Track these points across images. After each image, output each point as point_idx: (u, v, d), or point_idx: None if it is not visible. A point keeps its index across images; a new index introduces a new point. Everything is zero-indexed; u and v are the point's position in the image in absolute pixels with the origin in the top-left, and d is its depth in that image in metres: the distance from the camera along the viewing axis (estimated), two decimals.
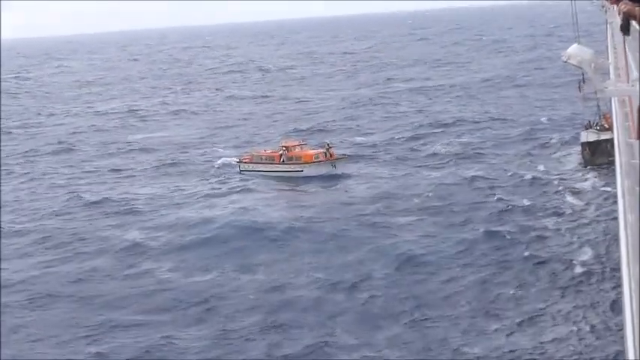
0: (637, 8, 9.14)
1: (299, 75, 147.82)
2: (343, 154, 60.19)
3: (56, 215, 51.52)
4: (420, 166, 59.72)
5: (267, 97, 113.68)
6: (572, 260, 36.65)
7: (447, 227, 43.73)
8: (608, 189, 45.77)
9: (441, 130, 74.26)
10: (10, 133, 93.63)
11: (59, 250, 44.24)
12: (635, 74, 8.34)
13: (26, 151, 78.63)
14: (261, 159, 59.69)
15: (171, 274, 38.86)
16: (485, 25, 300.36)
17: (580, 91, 43.45)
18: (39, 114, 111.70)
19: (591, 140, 53.32)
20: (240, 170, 60.02)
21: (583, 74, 28.12)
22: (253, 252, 41.22)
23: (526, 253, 38.33)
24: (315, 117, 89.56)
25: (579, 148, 55.71)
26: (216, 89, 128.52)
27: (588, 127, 55.30)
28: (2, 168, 69.08)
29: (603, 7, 21.32)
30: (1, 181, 63.81)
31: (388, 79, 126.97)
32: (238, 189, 55.31)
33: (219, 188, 56.19)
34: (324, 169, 57.35)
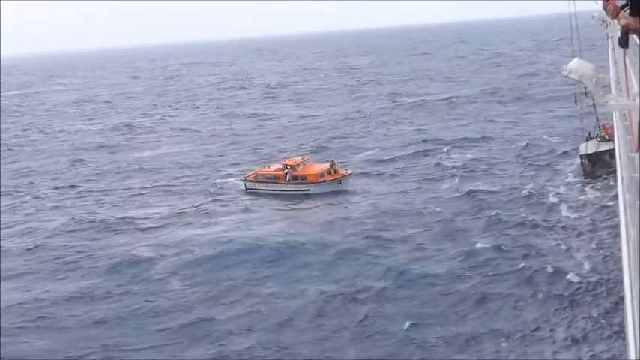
0: (637, 18, 9.18)
1: (302, 90, 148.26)
2: (348, 172, 59.62)
3: (60, 234, 51.50)
4: (421, 181, 59.70)
5: (267, 114, 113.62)
6: (570, 273, 36.65)
7: (446, 242, 43.78)
8: (609, 203, 45.91)
9: (441, 146, 74.31)
10: (12, 150, 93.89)
11: (66, 267, 44.30)
12: (635, 88, 8.37)
13: (25, 169, 78.84)
14: (266, 178, 59.28)
15: (173, 291, 38.88)
16: (488, 39, 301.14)
17: (576, 104, 43.78)
18: (42, 131, 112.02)
19: (590, 152, 53.48)
20: (247, 189, 59.76)
21: (583, 88, 28.34)
22: (257, 268, 41.22)
23: (525, 266, 38.46)
24: (317, 132, 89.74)
25: (579, 159, 55.86)
26: (217, 107, 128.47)
27: (589, 138, 55.46)
28: (7, 187, 69.35)
29: (604, 21, 21.37)
30: (5, 198, 64.12)
31: (392, 93, 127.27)
32: (244, 207, 55.37)
33: (226, 205, 56.27)
34: (329, 188, 57.17)
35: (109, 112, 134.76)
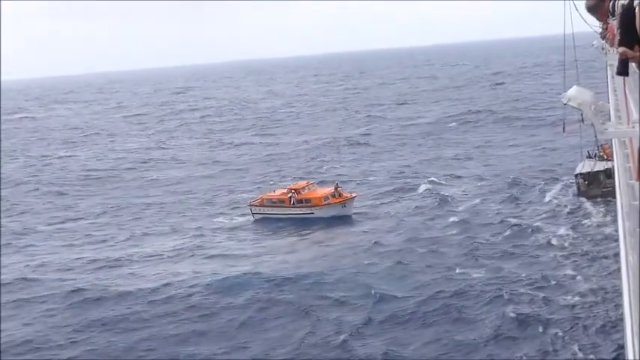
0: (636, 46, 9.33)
1: (294, 115, 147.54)
2: (352, 195, 59.68)
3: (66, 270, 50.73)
4: (417, 207, 59.66)
5: (261, 141, 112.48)
6: (567, 293, 36.85)
7: (439, 267, 44.04)
8: (605, 227, 46.13)
9: (435, 167, 74.72)
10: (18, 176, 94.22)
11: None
12: (635, 116, 8.49)
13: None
14: (272, 202, 59.35)
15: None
16: (491, 60, 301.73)
17: (564, 131, 44.30)
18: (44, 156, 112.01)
19: (586, 172, 53.79)
20: (253, 213, 59.73)
21: (572, 115, 28.52)
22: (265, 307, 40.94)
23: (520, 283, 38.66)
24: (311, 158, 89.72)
25: (574, 179, 56.20)
26: (211, 134, 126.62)
27: (588, 157, 55.71)
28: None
29: (603, 48, 21.56)
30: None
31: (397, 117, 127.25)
32: (252, 231, 55.58)
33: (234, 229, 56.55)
34: (334, 211, 57.21)
35: (98, 140, 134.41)
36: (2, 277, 47.92)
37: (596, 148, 55.41)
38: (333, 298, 40.18)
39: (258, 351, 34.09)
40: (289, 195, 58.69)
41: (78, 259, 51.78)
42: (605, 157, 51.99)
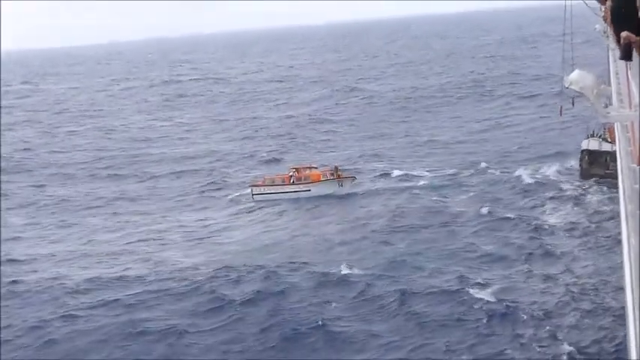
0: None
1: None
2: (351, 176, 61.42)
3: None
4: (416, 184, 60.31)
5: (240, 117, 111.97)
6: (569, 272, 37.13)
7: (436, 245, 44.56)
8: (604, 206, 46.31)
9: (428, 147, 74.86)
10: (30, 149, 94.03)
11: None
12: (636, 100, 8.57)
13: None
14: (273, 182, 61.27)
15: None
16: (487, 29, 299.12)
17: (561, 115, 44.25)
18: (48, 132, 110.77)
19: (592, 149, 53.73)
20: (253, 194, 60.71)
21: (581, 99, 28.45)
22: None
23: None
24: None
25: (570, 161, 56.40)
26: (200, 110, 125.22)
27: (591, 136, 55.60)
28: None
29: (605, 32, 21.57)
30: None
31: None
32: (250, 212, 56.52)
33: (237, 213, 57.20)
34: (331, 189, 58.96)
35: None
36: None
37: (602, 130, 55.31)
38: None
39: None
40: (290, 174, 61.06)
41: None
42: (610, 140, 52.01)
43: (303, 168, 62.31)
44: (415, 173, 63.75)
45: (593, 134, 55.86)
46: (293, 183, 60.34)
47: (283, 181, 60.98)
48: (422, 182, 60.68)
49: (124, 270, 44.02)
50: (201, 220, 56.14)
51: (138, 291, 40.08)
